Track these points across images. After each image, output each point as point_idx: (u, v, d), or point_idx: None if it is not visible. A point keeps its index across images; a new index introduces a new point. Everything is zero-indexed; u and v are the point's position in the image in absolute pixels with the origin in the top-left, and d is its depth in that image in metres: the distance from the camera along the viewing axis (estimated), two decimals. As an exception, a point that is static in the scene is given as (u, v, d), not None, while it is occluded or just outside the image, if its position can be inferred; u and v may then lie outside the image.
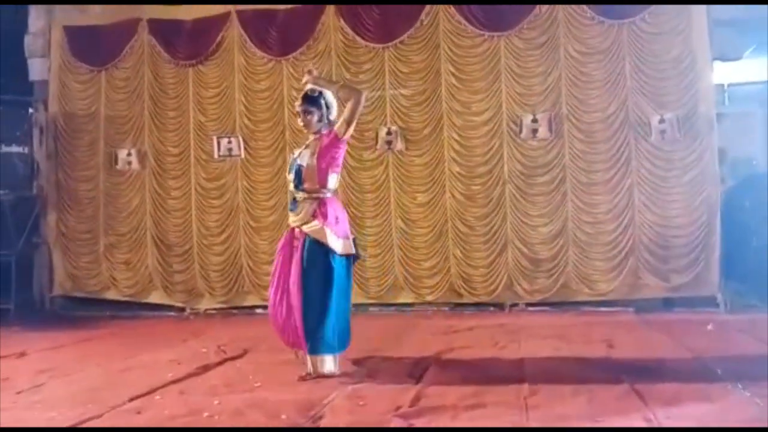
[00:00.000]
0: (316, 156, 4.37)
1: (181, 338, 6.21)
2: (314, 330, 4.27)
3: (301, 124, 4.58)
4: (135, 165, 8.22)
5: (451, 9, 7.50)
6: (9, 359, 5.35)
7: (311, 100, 4.46)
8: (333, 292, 4.30)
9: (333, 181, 4.46)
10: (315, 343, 4.29)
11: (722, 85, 7.79)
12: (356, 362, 4.69)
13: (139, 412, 3.66)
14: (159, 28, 8.17)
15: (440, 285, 7.52)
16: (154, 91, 8.21)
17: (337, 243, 4.34)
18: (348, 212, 4.98)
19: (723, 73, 7.57)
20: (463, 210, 7.49)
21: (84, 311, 8.19)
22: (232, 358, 5.14)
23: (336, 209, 4.45)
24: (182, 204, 8.14)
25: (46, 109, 8.54)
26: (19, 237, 8.17)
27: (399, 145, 7.58)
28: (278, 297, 4.45)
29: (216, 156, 8.03)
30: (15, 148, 8.42)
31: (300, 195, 4.43)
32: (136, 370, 4.80)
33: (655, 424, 3.20)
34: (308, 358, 4.34)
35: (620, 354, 4.91)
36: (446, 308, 7.53)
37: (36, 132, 8.59)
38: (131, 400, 3.89)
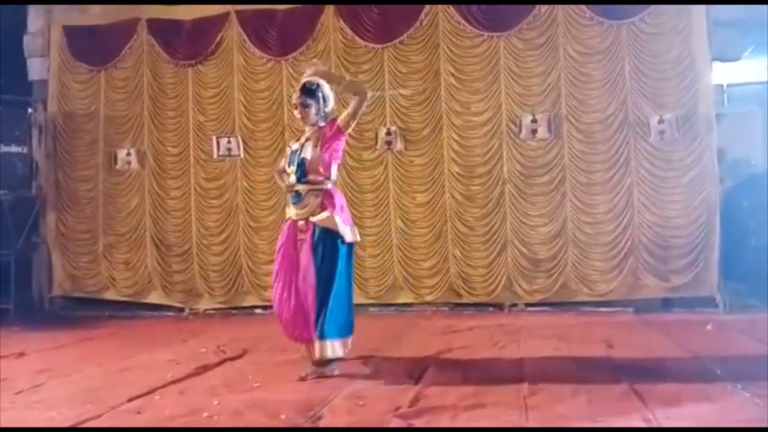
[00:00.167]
0: (319, 148, 4.41)
1: (180, 338, 6.21)
2: (326, 315, 4.32)
3: (299, 116, 4.57)
4: (134, 165, 8.22)
5: (451, 9, 7.51)
6: (8, 359, 5.35)
7: (309, 92, 4.49)
8: (344, 279, 4.42)
9: (335, 171, 4.55)
10: (327, 328, 4.32)
11: (721, 86, 7.81)
12: (356, 362, 4.69)
13: (138, 412, 3.66)
14: (158, 28, 8.17)
15: (440, 285, 7.52)
16: (154, 91, 8.21)
17: (346, 230, 4.43)
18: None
19: (722, 73, 7.59)
20: (463, 210, 7.49)
21: (83, 311, 8.19)
22: (232, 359, 5.14)
23: (340, 199, 4.54)
24: (181, 204, 8.14)
25: (45, 108, 8.54)
26: (19, 237, 8.17)
27: (398, 145, 7.59)
28: (284, 292, 4.44)
29: (215, 156, 8.03)
30: (14, 148, 8.42)
31: (303, 187, 4.44)
32: (135, 370, 4.79)
33: (654, 425, 3.20)
34: (317, 344, 4.33)
35: (620, 354, 4.90)
36: (446, 308, 7.53)
37: (35, 132, 8.59)
38: (130, 400, 3.89)
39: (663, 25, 7.14)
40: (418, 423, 3.34)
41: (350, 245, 4.50)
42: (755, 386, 3.72)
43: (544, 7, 7.34)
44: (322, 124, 4.50)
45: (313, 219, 4.39)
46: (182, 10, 8.14)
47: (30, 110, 8.59)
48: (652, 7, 7.10)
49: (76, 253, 8.37)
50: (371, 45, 7.68)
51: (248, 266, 7.90)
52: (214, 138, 8.02)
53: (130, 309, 8.09)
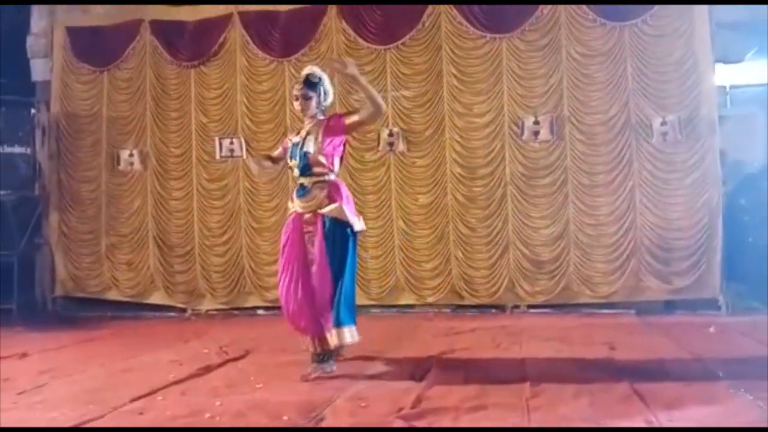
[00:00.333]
0: (321, 141, 4.43)
1: (182, 339, 6.22)
2: (341, 303, 4.38)
3: (299, 107, 4.56)
4: (137, 166, 8.23)
5: (453, 10, 7.51)
6: (11, 360, 5.36)
7: (311, 84, 4.52)
8: (354, 268, 4.51)
9: (338, 163, 4.59)
10: (343, 315, 4.38)
11: (724, 88, 7.77)
12: (358, 363, 4.69)
13: (140, 413, 3.66)
14: (161, 29, 8.19)
15: (442, 287, 7.52)
16: (156, 92, 8.23)
17: (355, 220, 4.49)
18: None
19: (725, 75, 7.57)
20: (465, 212, 7.49)
21: (85, 312, 8.20)
22: (234, 359, 5.14)
23: (345, 189, 4.58)
24: (184, 205, 8.15)
25: (48, 109, 8.55)
26: (21, 237, 8.18)
27: (401, 146, 7.59)
28: (291, 285, 4.45)
29: (218, 157, 8.04)
30: (17, 149, 8.42)
31: (308, 180, 4.47)
32: (137, 371, 4.80)
33: (656, 426, 3.20)
34: (334, 331, 4.37)
35: (622, 356, 4.90)
36: (448, 310, 7.53)
37: (38, 132, 8.59)
38: (133, 400, 3.89)
39: (665, 26, 7.13)
40: (420, 424, 3.34)
41: (356, 235, 4.55)
42: (758, 389, 3.70)
43: (546, 9, 7.34)
44: (321, 117, 4.54)
45: (323, 211, 4.42)
46: (185, 12, 8.16)
47: (33, 111, 8.60)
48: (655, 9, 7.10)
49: (79, 254, 8.38)
50: (374, 46, 7.69)
51: (250, 267, 7.91)
52: (216, 139, 8.03)
53: (133, 309, 8.10)
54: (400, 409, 3.55)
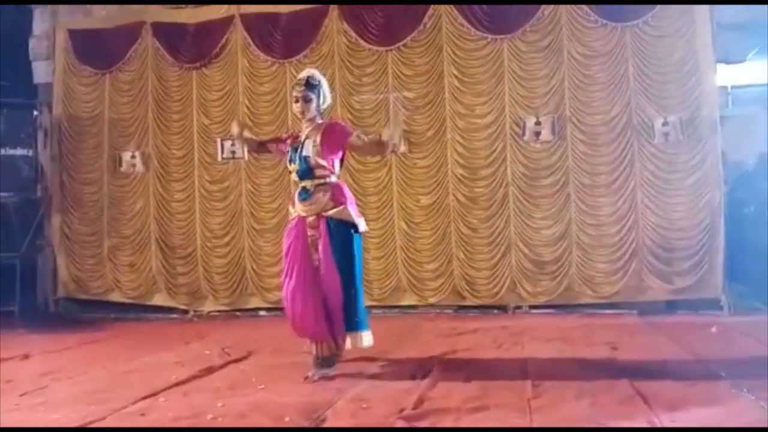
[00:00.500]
0: (320, 144, 4.43)
1: (184, 340, 6.22)
2: (352, 308, 4.42)
3: (299, 109, 4.54)
4: (139, 167, 8.24)
5: (454, 12, 7.51)
6: (13, 361, 5.37)
7: (312, 87, 4.52)
8: (361, 269, 4.57)
9: (339, 165, 4.62)
10: (356, 320, 4.43)
11: (725, 88, 7.78)
12: (359, 364, 4.69)
13: (143, 414, 3.67)
14: (163, 32, 8.20)
15: (443, 287, 7.52)
16: (158, 94, 8.24)
17: (360, 221, 4.51)
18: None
19: (726, 75, 7.57)
20: (466, 212, 7.49)
21: (88, 313, 8.22)
22: (236, 361, 5.14)
23: (347, 191, 4.60)
24: (186, 206, 8.16)
25: (50, 111, 8.57)
26: (24, 239, 8.20)
27: (402, 147, 7.59)
28: (297, 289, 4.43)
29: (220, 158, 8.05)
30: (19, 151, 8.46)
31: (310, 183, 4.46)
32: (139, 372, 4.80)
33: (658, 427, 3.20)
34: (351, 335, 4.42)
35: (624, 356, 4.89)
36: (449, 310, 7.53)
37: (40, 134, 8.63)
38: (135, 402, 3.90)
39: (667, 27, 7.13)
40: (421, 425, 3.34)
41: (361, 236, 4.57)
42: (760, 389, 3.70)
43: (547, 10, 7.34)
44: (319, 120, 4.55)
45: (329, 213, 4.42)
46: (186, 14, 8.17)
47: (35, 113, 8.63)
48: (656, 10, 7.09)
49: (81, 256, 8.40)
50: (375, 48, 7.69)
51: (252, 268, 7.91)
52: (218, 140, 8.04)
53: (135, 311, 8.11)
54: (402, 410, 3.55)
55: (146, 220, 8.22)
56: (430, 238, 7.56)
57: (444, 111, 7.54)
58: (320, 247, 4.43)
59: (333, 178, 4.53)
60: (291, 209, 4.66)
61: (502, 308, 7.41)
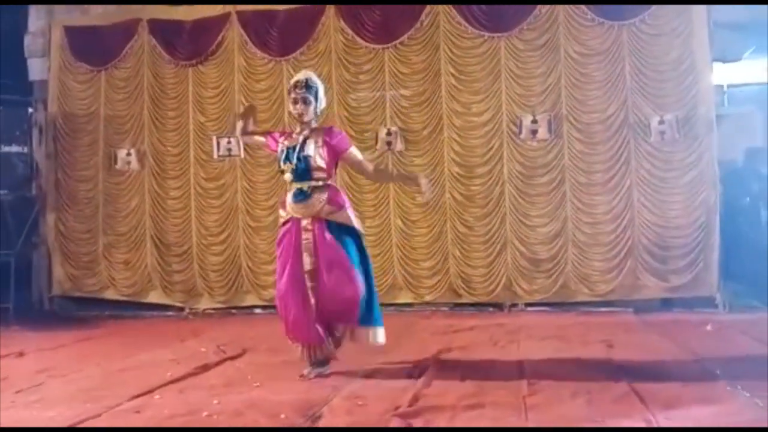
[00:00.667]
0: (321, 148, 4.42)
1: (180, 338, 6.21)
2: (370, 303, 4.41)
3: (299, 110, 4.48)
4: (134, 165, 8.22)
5: (452, 10, 7.50)
6: (8, 359, 5.35)
7: (311, 89, 4.50)
8: (371, 266, 4.57)
9: (335, 169, 4.62)
10: (373, 315, 4.42)
11: (722, 87, 7.80)
12: (355, 362, 4.68)
13: (138, 412, 3.66)
14: (159, 29, 8.17)
15: (439, 285, 7.52)
16: (154, 91, 8.21)
17: (357, 222, 4.53)
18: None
19: (723, 74, 7.59)
20: (463, 210, 7.49)
21: (83, 311, 8.20)
22: (232, 358, 5.14)
23: (343, 194, 4.62)
24: (181, 204, 8.14)
25: (45, 108, 8.54)
26: (19, 237, 8.16)
27: (399, 145, 7.59)
28: (291, 295, 4.40)
29: (215, 156, 8.03)
30: (14, 148, 8.43)
31: (306, 185, 4.41)
32: (134, 370, 4.80)
33: (654, 425, 3.20)
34: (369, 330, 4.40)
35: (619, 354, 4.90)
36: (445, 308, 7.53)
37: (35, 132, 8.60)
38: (130, 399, 3.89)
39: (663, 26, 7.13)
40: (417, 423, 3.34)
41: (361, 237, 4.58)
42: (755, 387, 3.71)
43: (544, 8, 7.34)
44: (314, 124, 4.53)
45: (328, 216, 4.40)
46: (183, 11, 8.14)
47: (30, 110, 8.60)
48: (653, 8, 7.10)
49: (76, 253, 8.37)
50: (372, 45, 7.68)
51: (248, 266, 7.90)
52: (214, 138, 8.02)
53: (130, 309, 8.09)
54: (398, 408, 3.55)
55: (141, 218, 8.20)
56: (426, 235, 7.56)
57: (441, 109, 7.54)
58: (321, 249, 4.37)
59: (329, 181, 4.50)
60: (282, 212, 4.60)
61: (498, 306, 7.41)
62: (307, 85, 4.49)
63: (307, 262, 4.40)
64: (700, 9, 7.04)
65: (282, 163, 4.47)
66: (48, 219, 8.47)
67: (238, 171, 7.98)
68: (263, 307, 7.72)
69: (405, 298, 7.61)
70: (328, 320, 4.43)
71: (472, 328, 6.30)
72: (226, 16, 8.02)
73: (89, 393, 4.10)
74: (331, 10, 7.78)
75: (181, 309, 8.04)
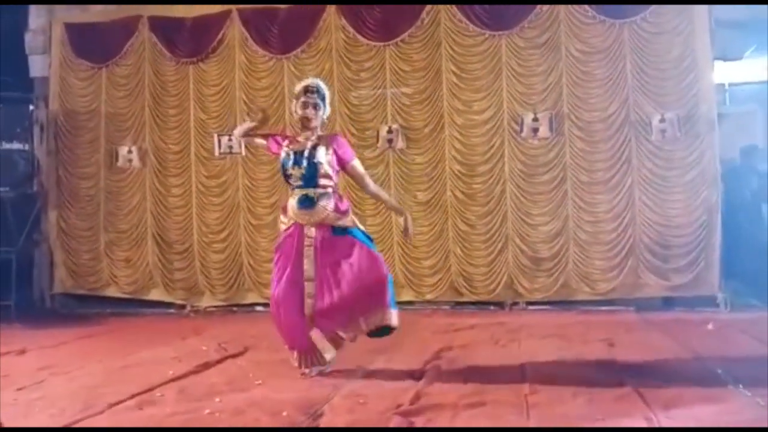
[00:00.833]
0: (333, 154, 4.44)
1: (181, 336, 6.22)
2: (390, 287, 4.45)
3: (309, 115, 4.46)
4: (136, 162, 8.22)
5: (453, 8, 7.50)
6: (9, 356, 5.36)
7: (321, 96, 4.52)
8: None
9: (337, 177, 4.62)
10: (392, 299, 4.45)
11: (723, 85, 7.79)
12: (356, 360, 4.69)
13: (139, 409, 3.67)
14: (160, 26, 8.17)
15: (441, 283, 7.52)
16: (155, 89, 8.21)
17: (361, 227, 4.61)
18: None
19: (724, 72, 7.57)
20: (464, 208, 7.49)
21: (84, 308, 8.19)
22: (233, 356, 5.15)
23: (347, 201, 4.66)
24: (183, 201, 8.14)
25: (46, 106, 8.53)
26: (20, 234, 8.16)
27: (400, 143, 7.58)
28: (281, 300, 4.39)
29: (217, 153, 8.03)
30: (16, 145, 8.41)
31: (313, 191, 4.40)
32: (136, 368, 4.80)
33: (655, 425, 3.20)
34: (390, 312, 4.39)
35: (620, 353, 4.90)
36: (446, 307, 7.53)
37: (36, 129, 8.59)
38: (132, 397, 3.90)
39: (665, 24, 7.12)
40: (418, 421, 3.34)
41: None
42: (757, 386, 3.71)
43: (546, 6, 7.33)
44: (319, 132, 4.54)
45: (338, 223, 4.42)
46: (184, 8, 8.13)
47: (31, 107, 8.59)
48: (654, 7, 7.09)
49: (78, 251, 8.37)
50: (373, 43, 7.68)
51: (249, 264, 7.90)
52: (215, 135, 8.02)
53: (132, 306, 8.10)
54: (399, 406, 3.56)
55: (143, 215, 8.20)
56: (427, 234, 7.55)
57: (442, 107, 7.54)
58: (321, 256, 4.38)
59: (334, 189, 4.49)
60: (283, 218, 4.58)
61: (499, 304, 7.41)
62: (318, 91, 4.51)
63: (307, 268, 4.40)
64: (702, 7, 7.03)
65: (290, 167, 4.41)
66: (49, 216, 8.47)
67: (240, 169, 7.98)
68: (264, 305, 7.66)
69: (406, 296, 7.59)
70: (350, 316, 4.39)
71: (473, 326, 6.30)
72: (226, 14, 8.01)
73: (91, 390, 4.10)
74: (331, 7, 7.77)
75: (183, 307, 8.05)
